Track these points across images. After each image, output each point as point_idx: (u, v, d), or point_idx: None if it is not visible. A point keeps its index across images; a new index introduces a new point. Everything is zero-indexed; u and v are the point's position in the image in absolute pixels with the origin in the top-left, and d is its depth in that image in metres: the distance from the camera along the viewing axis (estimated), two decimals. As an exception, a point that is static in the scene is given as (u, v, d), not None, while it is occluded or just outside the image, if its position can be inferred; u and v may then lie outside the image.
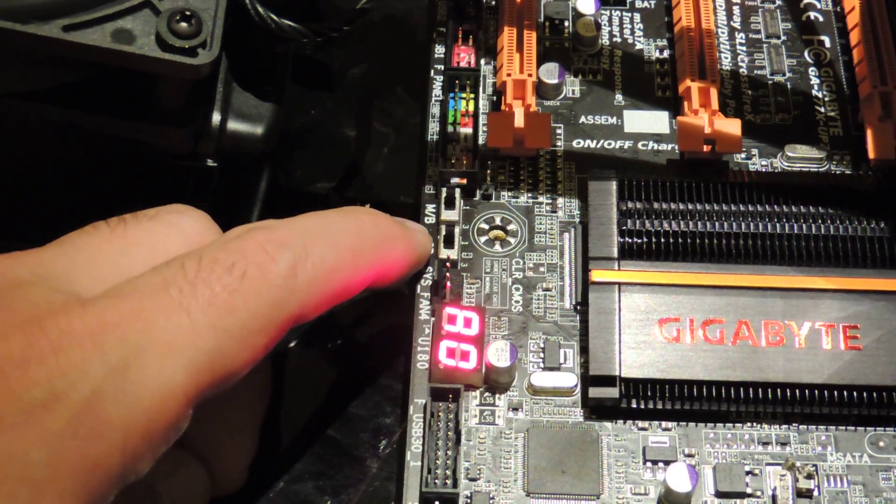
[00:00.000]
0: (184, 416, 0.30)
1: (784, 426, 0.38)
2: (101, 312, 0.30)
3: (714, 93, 0.43)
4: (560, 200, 0.42)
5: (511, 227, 0.41)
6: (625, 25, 0.47)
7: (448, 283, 0.39)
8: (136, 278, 0.31)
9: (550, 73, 0.44)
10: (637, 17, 0.47)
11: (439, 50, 0.45)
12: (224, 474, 0.36)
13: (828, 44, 0.46)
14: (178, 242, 0.33)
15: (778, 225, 0.40)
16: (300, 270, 0.32)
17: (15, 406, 0.28)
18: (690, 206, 0.40)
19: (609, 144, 0.44)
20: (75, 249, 0.32)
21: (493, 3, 0.46)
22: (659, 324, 0.38)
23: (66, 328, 0.29)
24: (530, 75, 0.43)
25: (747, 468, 0.37)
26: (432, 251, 0.40)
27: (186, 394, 0.30)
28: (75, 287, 0.31)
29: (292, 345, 0.41)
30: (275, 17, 0.37)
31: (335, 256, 0.34)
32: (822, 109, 0.44)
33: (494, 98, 0.44)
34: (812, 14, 0.47)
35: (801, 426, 0.38)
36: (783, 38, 0.46)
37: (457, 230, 0.41)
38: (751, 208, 0.40)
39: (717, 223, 0.40)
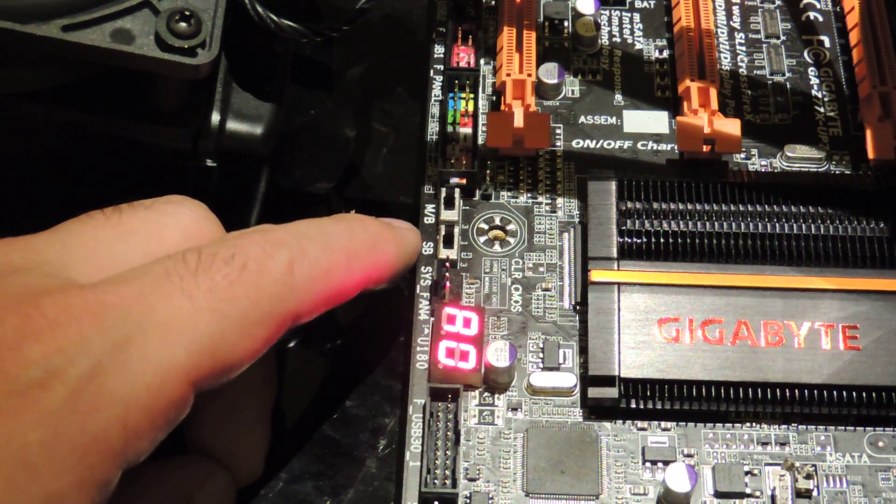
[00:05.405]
0: (185, 399, 0.30)
1: (783, 426, 0.38)
2: (100, 294, 0.30)
3: (713, 93, 0.43)
4: (559, 200, 0.42)
5: (510, 227, 0.41)
6: (624, 25, 0.46)
7: (447, 283, 0.39)
8: (137, 267, 0.31)
9: (550, 73, 0.44)
10: (636, 17, 0.47)
11: (439, 50, 0.45)
12: (243, 469, 0.37)
13: (827, 44, 0.46)
14: (176, 233, 0.33)
15: (777, 225, 0.40)
16: (297, 269, 0.33)
17: (9, 388, 0.28)
18: (690, 206, 0.40)
19: (608, 144, 0.44)
20: (70, 236, 0.32)
21: (493, 3, 0.46)
22: (658, 324, 0.38)
23: (65, 306, 0.29)
24: (530, 75, 0.43)
25: (746, 468, 0.37)
26: (431, 251, 0.40)
27: (188, 374, 0.30)
28: (70, 273, 0.31)
29: (291, 345, 0.41)
30: (274, 18, 0.37)
31: (329, 258, 0.34)
32: (822, 109, 0.44)
33: (494, 98, 0.44)
34: (811, 14, 0.47)
35: (800, 426, 0.38)
36: (783, 38, 0.46)
37: (456, 230, 0.41)
38: (750, 208, 0.40)
39: (716, 223, 0.40)
